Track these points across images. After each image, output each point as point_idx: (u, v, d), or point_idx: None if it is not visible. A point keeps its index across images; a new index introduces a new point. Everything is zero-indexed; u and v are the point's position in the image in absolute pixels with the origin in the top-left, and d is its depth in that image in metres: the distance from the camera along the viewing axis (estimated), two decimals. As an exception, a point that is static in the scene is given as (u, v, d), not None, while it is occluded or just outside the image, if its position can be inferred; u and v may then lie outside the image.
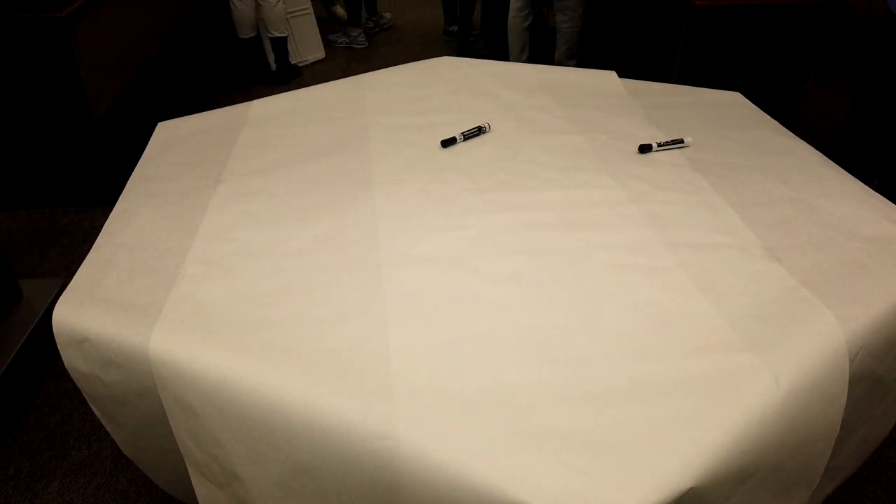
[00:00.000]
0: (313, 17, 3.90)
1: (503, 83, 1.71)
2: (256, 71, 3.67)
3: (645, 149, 1.39)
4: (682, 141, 1.41)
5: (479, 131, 1.47)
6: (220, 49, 3.80)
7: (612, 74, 1.73)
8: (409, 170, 1.33)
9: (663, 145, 1.40)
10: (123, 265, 1.08)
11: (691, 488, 0.72)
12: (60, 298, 1.02)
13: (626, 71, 1.84)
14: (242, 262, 1.08)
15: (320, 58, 3.99)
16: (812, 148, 1.41)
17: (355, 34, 4.07)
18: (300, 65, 3.86)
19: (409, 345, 0.90)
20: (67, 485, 1.53)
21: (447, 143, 1.42)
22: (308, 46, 3.92)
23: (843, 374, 0.89)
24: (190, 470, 0.96)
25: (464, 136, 1.45)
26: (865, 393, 0.98)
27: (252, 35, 3.54)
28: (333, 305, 0.98)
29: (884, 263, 1.05)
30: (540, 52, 3.54)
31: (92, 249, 1.14)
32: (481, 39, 4.18)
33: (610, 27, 3.05)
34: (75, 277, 1.07)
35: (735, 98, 1.65)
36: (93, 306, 1.00)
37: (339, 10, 4.45)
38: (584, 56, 3.27)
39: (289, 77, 3.67)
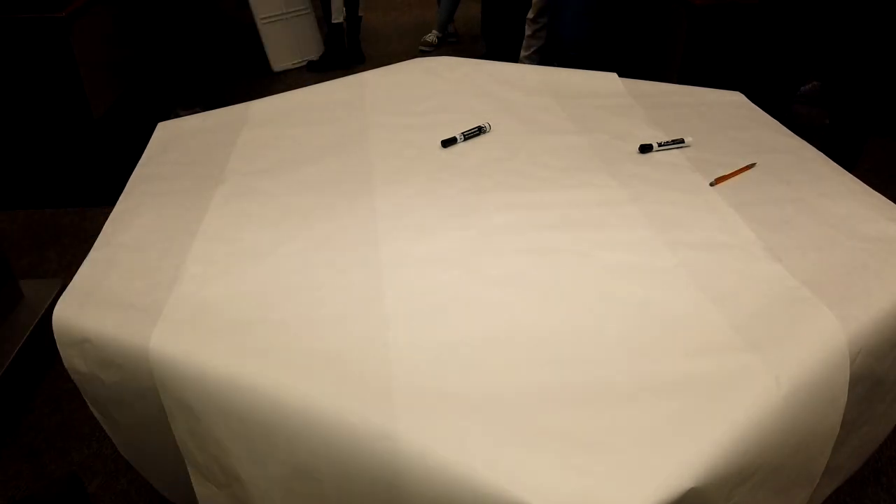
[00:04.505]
0: (313, 17, 3.90)
1: (503, 83, 1.71)
2: (346, 53, 3.84)
3: (645, 149, 1.39)
4: (682, 141, 1.41)
5: (479, 131, 1.47)
6: (219, 47, 3.80)
7: (613, 75, 1.73)
8: (409, 170, 1.33)
9: (664, 145, 1.40)
10: (124, 265, 1.08)
11: (692, 488, 0.72)
12: (61, 299, 1.02)
13: (627, 71, 1.84)
14: (243, 263, 1.08)
15: (320, 58, 3.99)
16: (813, 148, 1.41)
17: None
18: (299, 65, 3.86)
19: (409, 345, 0.90)
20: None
21: (447, 143, 1.42)
22: (308, 46, 3.92)
23: (844, 374, 0.89)
24: (190, 470, 0.96)
25: (464, 136, 1.44)
26: (866, 393, 0.98)
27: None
28: (333, 305, 0.98)
29: (884, 263, 1.05)
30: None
31: (92, 249, 1.14)
32: (480, 40, 4.18)
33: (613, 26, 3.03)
34: (75, 278, 1.07)
35: (736, 98, 1.65)
36: (93, 306, 1.00)
37: None
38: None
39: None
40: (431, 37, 4.17)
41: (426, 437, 0.77)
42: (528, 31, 3.18)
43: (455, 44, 4.27)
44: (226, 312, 0.97)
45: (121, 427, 1.05)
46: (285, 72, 3.84)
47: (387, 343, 0.90)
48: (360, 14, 3.85)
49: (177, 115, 3.28)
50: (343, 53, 3.79)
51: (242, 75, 3.76)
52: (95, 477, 1.54)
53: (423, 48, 4.15)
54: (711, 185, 1.26)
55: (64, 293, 1.03)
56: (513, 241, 1.11)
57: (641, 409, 0.80)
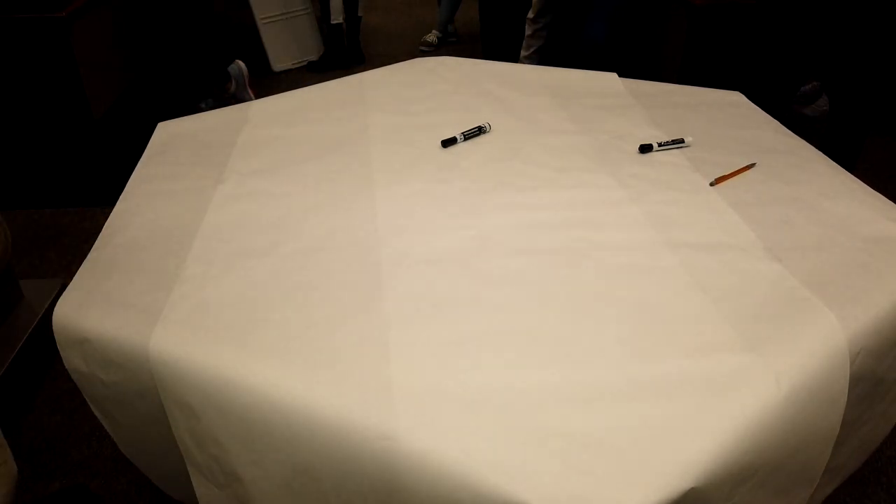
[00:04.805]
0: (313, 16, 3.90)
1: (503, 83, 1.71)
2: (346, 53, 3.87)
3: (645, 149, 1.39)
4: (682, 141, 1.41)
5: (479, 131, 1.47)
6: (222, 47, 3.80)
7: (613, 75, 1.73)
8: (409, 170, 1.33)
9: (664, 145, 1.40)
10: (124, 265, 1.08)
11: (692, 488, 0.72)
12: (61, 299, 1.02)
13: (627, 71, 1.84)
14: (242, 262, 1.08)
15: (320, 58, 3.99)
16: (812, 147, 1.41)
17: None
18: (299, 65, 3.86)
19: (409, 345, 0.90)
20: (67, 485, 1.53)
21: (447, 143, 1.42)
22: (308, 46, 3.93)
23: (844, 375, 0.89)
24: (190, 470, 0.96)
25: (464, 136, 1.44)
26: (866, 393, 0.98)
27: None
28: (333, 305, 0.98)
29: (885, 263, 1.05)
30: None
31: (92, 250, 1.14)
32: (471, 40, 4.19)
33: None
34: (75, 278, 1.07)
35: (736, 98, 1.65)
36: (93, 306, 1.00)
37: None
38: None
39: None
40: (431, 37, 4.17)
41: (426, 437, 0.77)
42: (528, 31, 3.18)
43: (455, 44, 4.27)
44: (226, 312, 0.97)
45: (121, 426, 1.05)
46: (285, 72, 3.84)
47: (387, 343, 0.90)
48: (359, 14, 3.86)
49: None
50: (343, 53, 3.80)
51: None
52: (95, 477, 1.54)
53: (423, 48, 4.15)
54: (711, 185, 1.26)
55: (64, 293, 1.03)
56: (513, 241, 1.11)
57: (641, 409, 0.80)
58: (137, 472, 1.55)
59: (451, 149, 1.42)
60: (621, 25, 2.91)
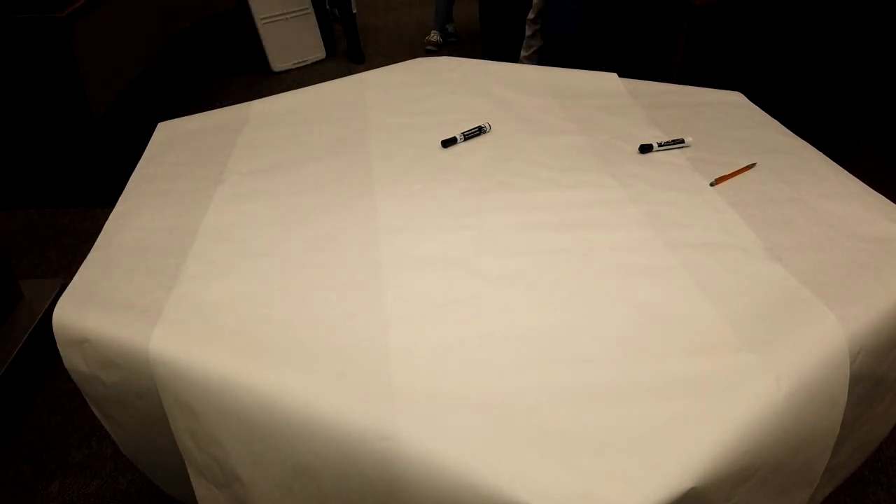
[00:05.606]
0: (313, 16, 3.90)
1: (503, 83, 1.71)
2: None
3: (645, 149, 1.39)
4: (682, 141, 1.41)
5: (479, 131, 1.47)
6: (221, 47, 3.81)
7: (613, 75, 1.73)
8: (409, 170, 1.33)
9: (664, 145, 1.40)
10: (124, 265, 1.08)
11: (692, 488, 0.72)
12: (61, 299, 1.02)
13: (627, 71, 1.84)
14: (243, 262, 1.08)
15: (320, 58, 3.99)
16: (813, 148, 1.41)
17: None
18: (299, 65, 3.87)
19: (409, 345, 0.90)
20: (67, 485, 1.53)
21: (447, 143, 1.42)
22: (308, 46, 3.93)
23: (844, 375, 0.89)
24: (190, 470, 0.96)
25: (464, 136, 1.44)
26: (866, 393, 0.98)
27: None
28: (333, 305, 0.98)
29: (885, 263, 1.05)
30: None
31: (92, 249, 1.14)
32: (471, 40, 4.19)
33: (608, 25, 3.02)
34: (75, 278, 1.07)
35: (736, 98, 1.65)
36: (93, 307, 1.00)
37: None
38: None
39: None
40: (435, 36, 4.17)
41: (426, 437, 0.77)
42: (528, 32, 3.18)
43: (455, 44, 4.27)
44: (226, 312, 0.97)
45: (121, 426, 1.05)
46: (285, 72, 3.84)
47: (387, 343, 0.90)
48: (353, 11, 3.88)
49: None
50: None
51: (242, 75, 3.76)
52: (95, 477, 1.55)
53: (429, 48, 4.14)
54: (711, 185, 1.26)
55: (64, 293, 1.03)
56: (513, 241, 1.11)
57: (641, 409, 0.80)
58: (137, 472, 1.55)
59: (451, 149, 1.42)
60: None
